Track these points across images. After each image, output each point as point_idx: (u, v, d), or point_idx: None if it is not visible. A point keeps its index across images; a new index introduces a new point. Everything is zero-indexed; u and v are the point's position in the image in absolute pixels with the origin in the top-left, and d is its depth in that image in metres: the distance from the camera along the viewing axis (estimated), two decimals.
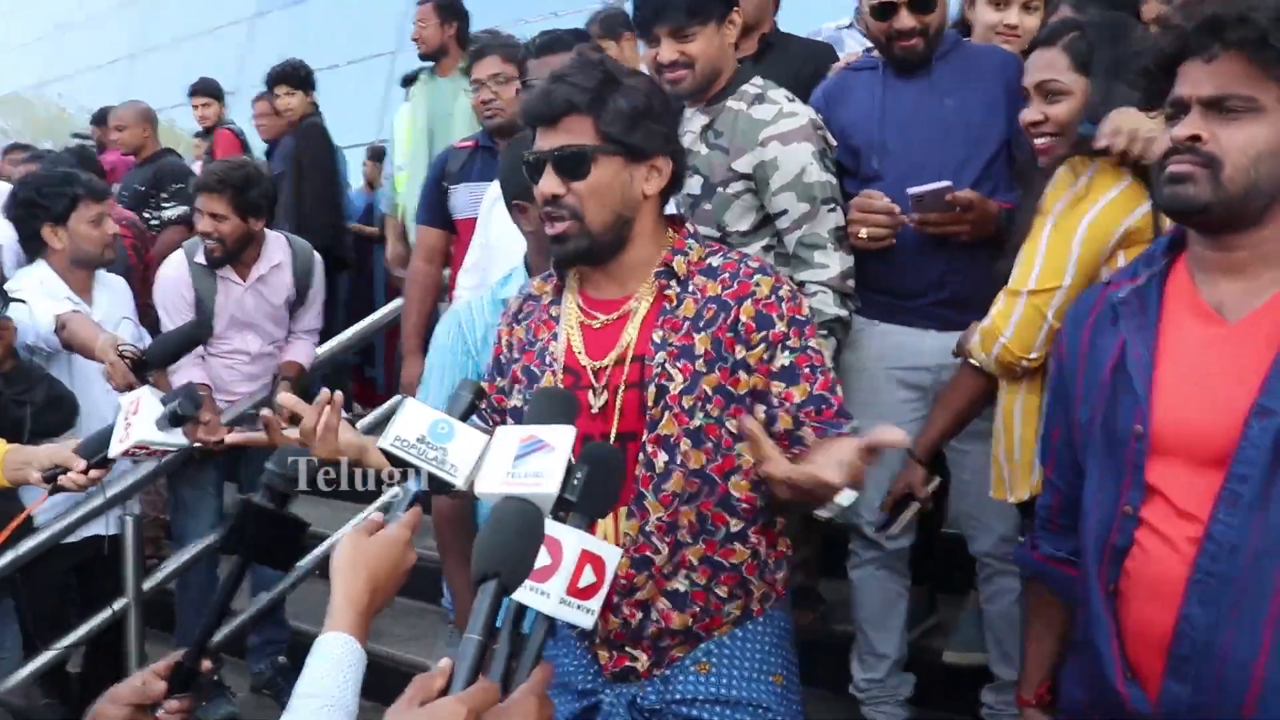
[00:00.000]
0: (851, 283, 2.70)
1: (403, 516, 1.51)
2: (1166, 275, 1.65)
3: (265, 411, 1.93)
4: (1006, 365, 2.26)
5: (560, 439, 1.35)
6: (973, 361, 2.36)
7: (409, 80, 5.52)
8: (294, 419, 1.94)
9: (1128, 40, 2.23)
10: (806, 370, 1.88)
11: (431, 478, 1.54)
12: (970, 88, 2.81)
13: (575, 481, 1.34)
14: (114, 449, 2.25)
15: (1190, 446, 1.54)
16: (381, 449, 1.57)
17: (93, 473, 2.37)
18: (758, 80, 2.75)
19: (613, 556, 1.40)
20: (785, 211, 2.68)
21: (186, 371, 3.84)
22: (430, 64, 5.05)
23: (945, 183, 2.60)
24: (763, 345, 1.87)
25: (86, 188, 3.58)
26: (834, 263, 2.67)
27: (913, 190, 2.63)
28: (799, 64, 3.31)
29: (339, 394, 1.91)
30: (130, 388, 2.91)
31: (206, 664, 1.62)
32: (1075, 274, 2.14)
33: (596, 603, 1.39)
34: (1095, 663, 1.63)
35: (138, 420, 2.21)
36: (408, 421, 1.56)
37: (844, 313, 2.69)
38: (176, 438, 2.25)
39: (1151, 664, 1.57)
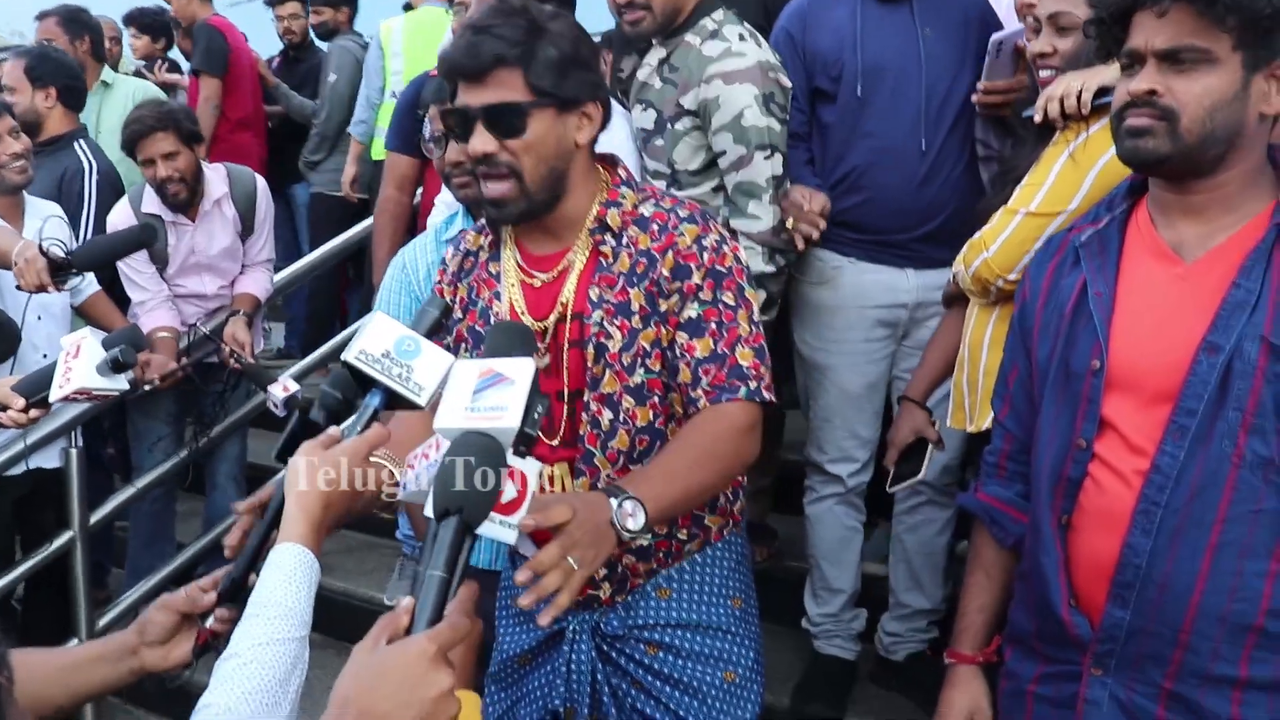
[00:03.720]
0: (785, 235, 2.69)
1: (367, 433, 1.48)
2: (1128, 218, 1.69)
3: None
4: (982, 282, 2.25)
5: (520, 372, 1.32)
6: (955, 290, 2.37)
7: (409, 6, 5.48)
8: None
9: None
10: (714, 325, 1.82)
11: (392, 394, 1.51)
12: (945, 22, 2.82)
13: (536, 415, 1.32)
14: (54, 393, 2.22)
15: (1143, 381, 1.59)
16: (344, 362, 1.52)
17: (32, 412, 2.33)
18: (717, 15, 2.71)
19: (533, 470, 1.38)
20: (724, 153, 2.67)
21: (158, 315, 3.79)
22: None
23: (1019, 27, 2.58)
24: (676, 295, 1.83)
25: None
26: (766, 215, 2.65)
27: (996, 36, 2.62)
28: None
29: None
30: (42, 289, 2.78)
31: (253, 577, 1.61)
32: (1082, 203, 2.10)
33: (518, 517, 1.37)
34: (1042, 591, 1.69)
35: (78, 365, 2.18)
36: (374, 335, 1.51)
37: (770, 269, 2.68)
38: (118, 383, 2.22)
39: (1096, 592, 1.63)
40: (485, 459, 1.23)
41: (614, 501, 1.59)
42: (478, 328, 1.95)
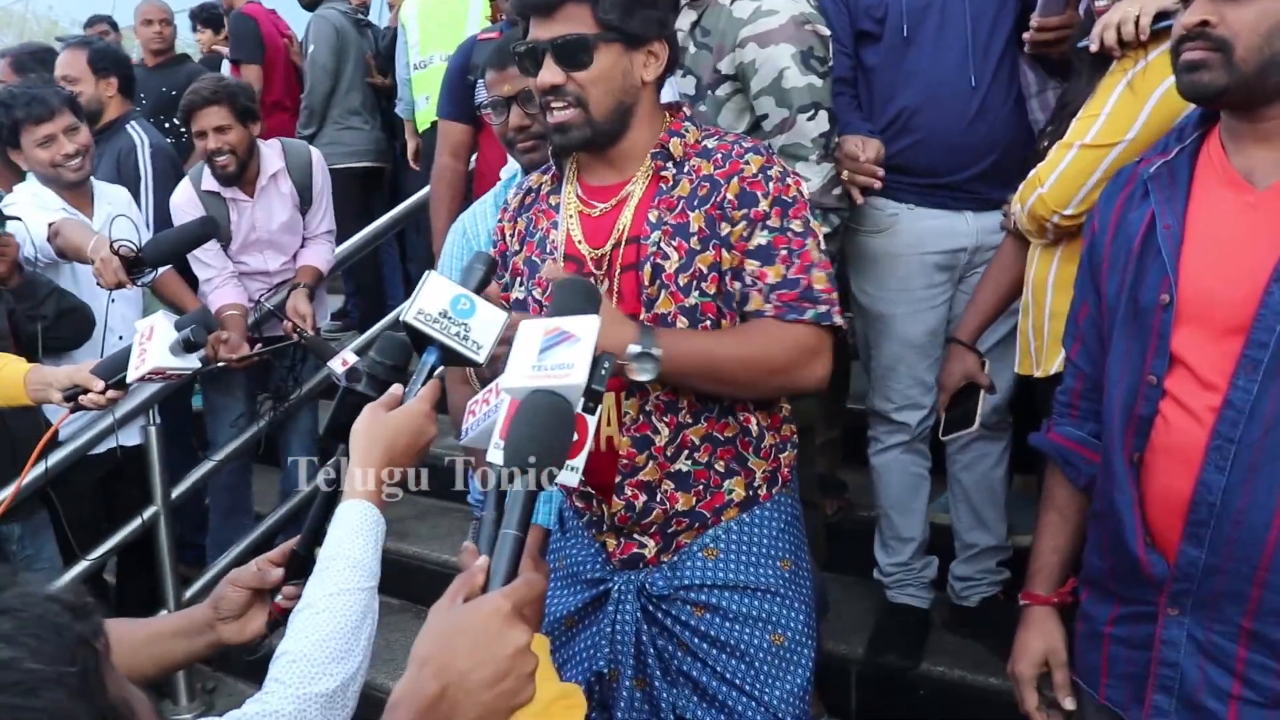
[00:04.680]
0: (837, 191, 2.66)
1: (421, 390, 1.51)
2: (1199, 147, 1.65)
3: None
4: (1037, 220, 2.21)
5: (585, 329, 1.32)
6: (1013, 226, 2.33)
7: None
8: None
9: None
10: (784, 251, 1.84)
11: (449, 352, 1.53)
12: None
13: (603, 371, 1.33)
14: (130, 374, 2.30)
15: (1213, 314, 1.55)
16: (404, 322, 1.54)
17: (110, 393, 2.41)
18: None
19: (591, 415, 1.39)
20: (766, 115, 2.62)
21: (226, 293, 3.87)
22: None
23: None
24: (744, 222, 1.85)
25: (26, 110, 3.41)
26: (815, 176, 2.60)
27: None
28: None
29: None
30: (120, 286, 2.88)
31: (319, 550, 1.66)
32: (1140, 132, 2.05)
33: (580, 460, 1.38)
34: (1116, 530, 1.66)
35: (152, 346, 2.25)
36: (430, 295, 1.53)
37: (825, 230, 2.62)
38: (190, 362, 2.29)
39: (1170, 531, 1.60)
40: (553, 417, 1.23)
41: (635, 349, 1.65)
42: (534, 258, 1.96)
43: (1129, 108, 2.06)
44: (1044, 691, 1.83)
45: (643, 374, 1.68)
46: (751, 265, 1.85)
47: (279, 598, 1.60)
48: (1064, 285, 2.23)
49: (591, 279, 1.88)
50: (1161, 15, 1.99)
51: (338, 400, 1.60)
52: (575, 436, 1.38)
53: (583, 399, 1.30)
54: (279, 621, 1.57)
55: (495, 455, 1.39)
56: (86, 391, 2.42)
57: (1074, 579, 1.84)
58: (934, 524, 3.10)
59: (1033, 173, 2.22)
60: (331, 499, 1.62)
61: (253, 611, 1.59)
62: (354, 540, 1.38)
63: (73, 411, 2.50)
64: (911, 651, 3.00)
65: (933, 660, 2.99)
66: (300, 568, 1.61)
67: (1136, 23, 2.02)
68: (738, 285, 1.86)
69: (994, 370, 2.53)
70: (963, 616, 3.06)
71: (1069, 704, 1.79)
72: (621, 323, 1.70)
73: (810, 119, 2.59)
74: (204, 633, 1.56)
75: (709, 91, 2.67)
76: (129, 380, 2.32)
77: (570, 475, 1.39)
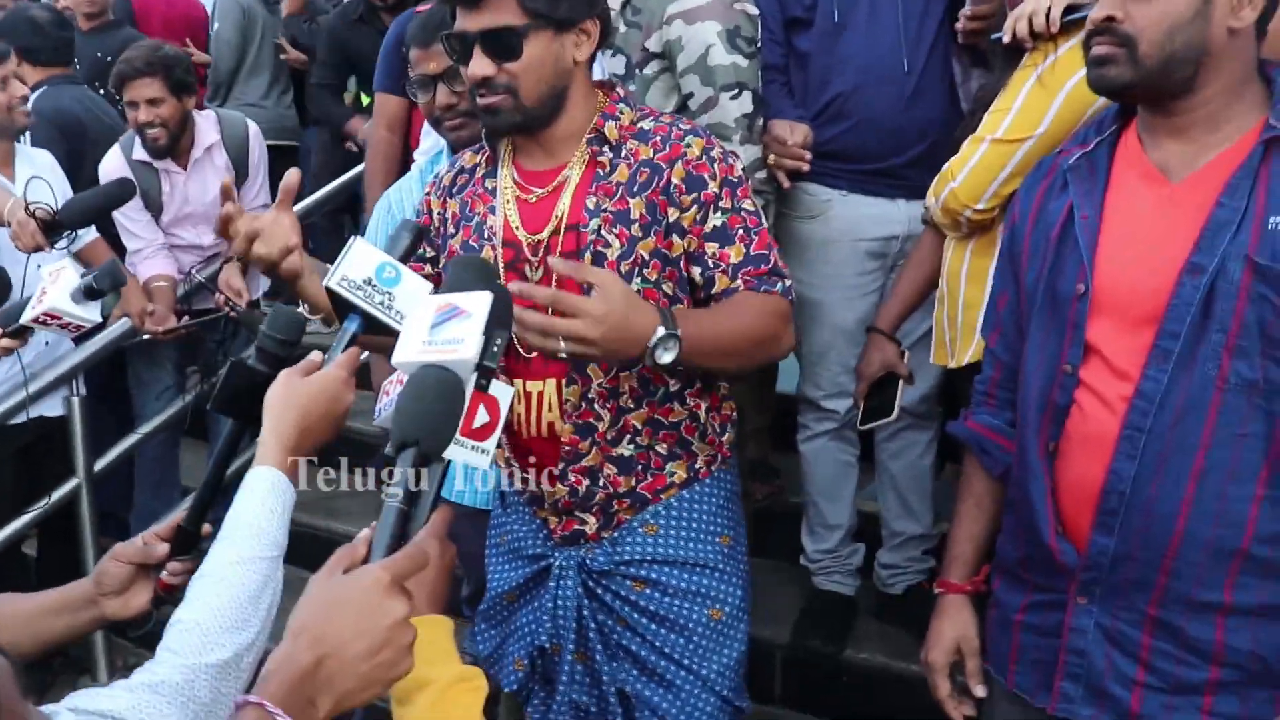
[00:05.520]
0: (762, 174, 2.65)
1: (339, 357, 1.49)
2: (1118, 140, 1.66)
3: (230, 206, 1.83)
4: (951, 214, 2.23)
5: (477, 305, 1.31)
6: (929, 219, 2.34)
7: None
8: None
9: None
10: (740, 231, 1.86)
11: (371, 320, 1.51)
12: None
13: (495, 348, 1.31)
14: (26, 314, 2.24)
15: (1128, 305, 1.56)
16: (327, 288, 1.53)
17: (5, 341, 2.35)
18: None
19: (505, 395, 1.38)
20: (692, 94, 2.61)
21: (155, 264, 3.78)
22: None
23: None
24: (695, 207, 1.85)
25: None
26: (741, 154, 2.56)
27: None
28: None
29: (295, 171, 1.82)
30: (39, 249, 2.81)
31: (207, 528, 1.62)
32: (1050, 127, 2.08)
33: (490, 443, 1.37)
34: (1029, 519, 1.68)
35: (53, 289, 2.20)
36: (355, 262, 1.51)
37: None
38: (91, 313, 2.23)
39: (1082, 520, 1.61)
40: (441, 391, 1.21)
41: (661, 331, 1.65)
42: (471, 242, 1.94)
43: (1039, 102, 2.09)
44: (956, 679, 1.84)
45: (666, 356, 1.67)
46: (711, 248, 1.85)
47: (164, 574, 1.57)
48: (976, 276, 2.26)
49: (527, 265, 1.87)
50: (1071, 8, 2.01)
51: (225, 373, 1.58)
52: (488, 418, 1.37)
53: (474, 375, 1.28)
54: (163, 598, 1.54)
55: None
56: None
57: (988, 567, 1.85)
58: (861, 511, 3.11)
59: (946, 166, 2.24)
60: (219, 476, 1.59)
61: (136, 587, 1.55)
62: (259, 508, 1.35)
63: None
64: (836, 637, 3.02)
65: (857, 647, 3.01)
66: (187, 543, 1.58)
67: (1047, 15, 2.04)
68: (696, 270, 1.87)
69: (922, 360, 2.54)
70: (888, 604, 3.08)
71: (980, 691, 1.81)
72: (645, 308, 1.69)
73: (734, 98, 2.58)
74: (86, 608, 1.52)
75: (637, 70, 2.65)
76: (24, 320, 2.25)
77: (481, 458, 1.38)
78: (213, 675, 1.25)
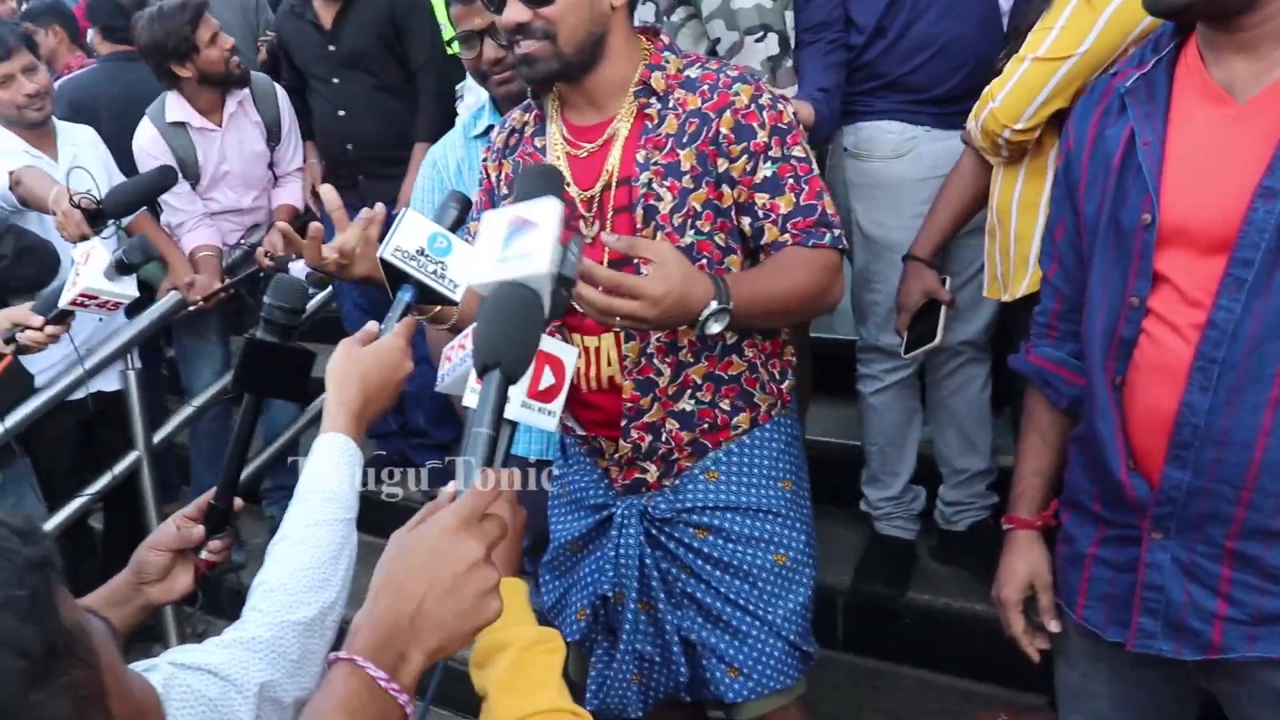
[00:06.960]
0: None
1: (396, 326, 1.50)
2: (1176, 59, 1.59)
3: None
4: (990, 135, 2.18)
5: (544, 214, 1.22)
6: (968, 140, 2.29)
7: None
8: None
9: None
10: (790, 180, 1.84)
11: (425, 289, 1.51)
12: None
13: (572, 256, 1.23)
14: (63, 299, 2.25)
15: (1197, 232, 1.51)
16: (381, 259, 1.53)
17: (49, 329, 2.35)
18: None
19: (570, 356, 1.37)
20: (719, 40, 2.56)
21: (198, 235, 3.80)
22: None
23: None
24: (745, 157, 1.82)
25: None
26: None
27: None
28: None
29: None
30: (84, 239, 2.81)
31: (239, 502, 1.64)
32: (1093, 46, 2.02)
33: (557, 405, 1.37)
34: (1099, 453, 1.64)
35: (86, 269, 2.21)
36: (407, 233, 1.52)
37: None
38: (127, 288, 2.24)
39: (1154, 454, 1.57)
40: (520, 309, 1.15)
41: (713, 305, 1.64)
42: None
43: (1083, 21, 2.02)
44: (1029, 615, 1.82)
45: (715, 327, 1.67)
46: (761, 198, 1.83)
47: (204, 553, 1.59)
48: (1028, 207, 2.20)
49: (583, 221, 1.85)
50: None
51: (243, 350, 1.58)
52: (553, 380, 1.36)
53: (551, 285, 1.19)
54: (207, 576, 1.57)
55: (470, 400, 1.36)
56: (26, 329, 2.37)
57: (1056, 501, 1.82)
58: (920, 454, 3.09)
59: (987, 88, 2.18)
60: (241, 453, 1.61)
61: (177, 570, 1.58)
62: (331, 473, 1.38)
63: (16, 354, 2.44)
64: (898, 579, 3.01)
65: (919, 589, 3.01)
66: (220, 520, 1.60)
67: None
68: (746, 220, 1.85)
69: (976, 294, 2.50)
70: (951, 542, 3.06)
71: (1054, 626, 1.79)
72: (701, 281, 1.67)
73: (759, 40, 2.53)
74: (130, 599, 1.55)
75: (664, 17, 2.61)
76: (62, 304, 2.27)
77: (548, 420, 1.38)
78: (299, 632, 1.28)
